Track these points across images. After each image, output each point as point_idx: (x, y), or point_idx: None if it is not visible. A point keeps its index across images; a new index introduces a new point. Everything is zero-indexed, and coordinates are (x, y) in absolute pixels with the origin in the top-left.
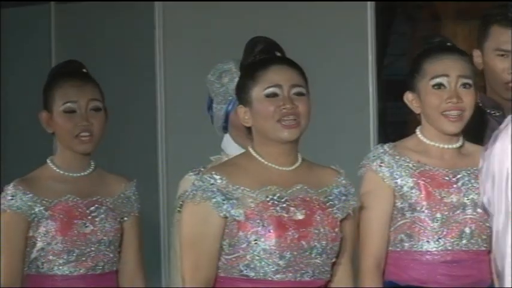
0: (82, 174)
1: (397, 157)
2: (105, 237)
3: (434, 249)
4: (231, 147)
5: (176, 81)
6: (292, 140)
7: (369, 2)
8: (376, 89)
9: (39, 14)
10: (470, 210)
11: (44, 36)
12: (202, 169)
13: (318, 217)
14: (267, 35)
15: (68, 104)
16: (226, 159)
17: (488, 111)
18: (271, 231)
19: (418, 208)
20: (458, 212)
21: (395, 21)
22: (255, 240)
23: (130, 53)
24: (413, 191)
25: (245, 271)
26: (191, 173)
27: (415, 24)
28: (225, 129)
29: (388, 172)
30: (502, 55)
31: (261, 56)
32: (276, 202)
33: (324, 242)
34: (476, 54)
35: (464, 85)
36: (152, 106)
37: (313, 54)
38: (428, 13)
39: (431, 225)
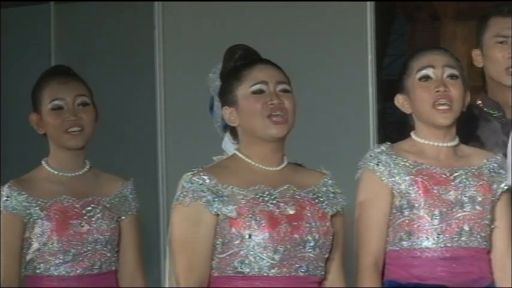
0: (77, 173)
1: (394, 156)
2: (101, 237)
3: (434, 246)
4: (231, 146)
5: (176, 81)
6: (280, 136)
7: (368, 2)
8: (375, 89)
9: (39, 14)
10: (468, 208)
11: (44, 36)
12: (201, 169)
13: (309, 212)
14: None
15: (55, 102)
16: None
17: (488, 111)
18: (264, 225)
19: (416, 205)
20: (456, 208)
21: (395, 21)
22: (248, 235)
23: (131, 53)
24: (411, 188)
25: (240, 268)
26: (190, 173)
27: (414, 24)
28: (225, 128)
29: (386, 171)
30: (501, 42)
31: (240, 61)
32: (265, 199)
33: (316, 235)
34: (476, 53)
35: (451, 76)
36: (152, 106)
37: (313, 54)
38: (428, 13)
39: (430, 221)
